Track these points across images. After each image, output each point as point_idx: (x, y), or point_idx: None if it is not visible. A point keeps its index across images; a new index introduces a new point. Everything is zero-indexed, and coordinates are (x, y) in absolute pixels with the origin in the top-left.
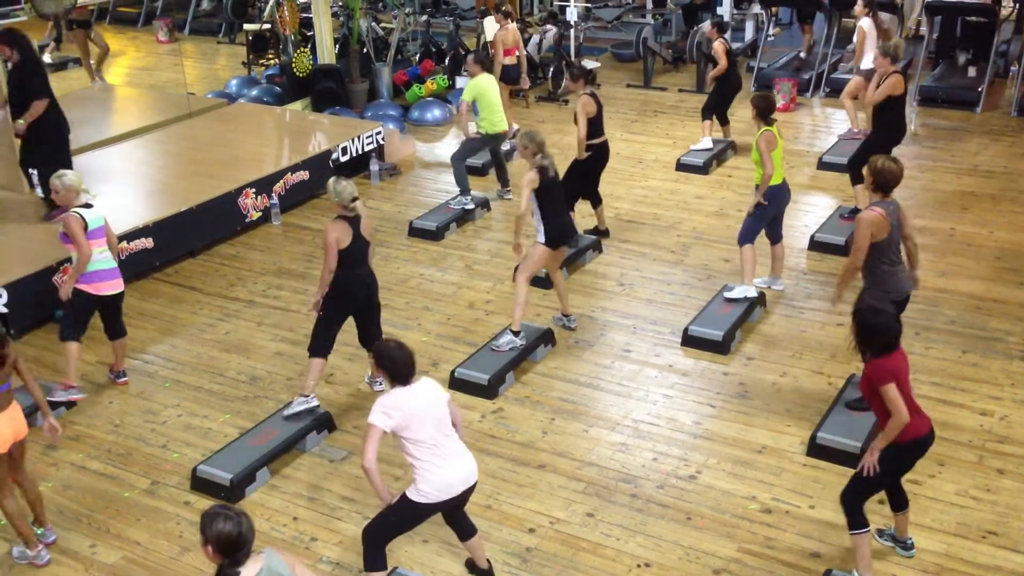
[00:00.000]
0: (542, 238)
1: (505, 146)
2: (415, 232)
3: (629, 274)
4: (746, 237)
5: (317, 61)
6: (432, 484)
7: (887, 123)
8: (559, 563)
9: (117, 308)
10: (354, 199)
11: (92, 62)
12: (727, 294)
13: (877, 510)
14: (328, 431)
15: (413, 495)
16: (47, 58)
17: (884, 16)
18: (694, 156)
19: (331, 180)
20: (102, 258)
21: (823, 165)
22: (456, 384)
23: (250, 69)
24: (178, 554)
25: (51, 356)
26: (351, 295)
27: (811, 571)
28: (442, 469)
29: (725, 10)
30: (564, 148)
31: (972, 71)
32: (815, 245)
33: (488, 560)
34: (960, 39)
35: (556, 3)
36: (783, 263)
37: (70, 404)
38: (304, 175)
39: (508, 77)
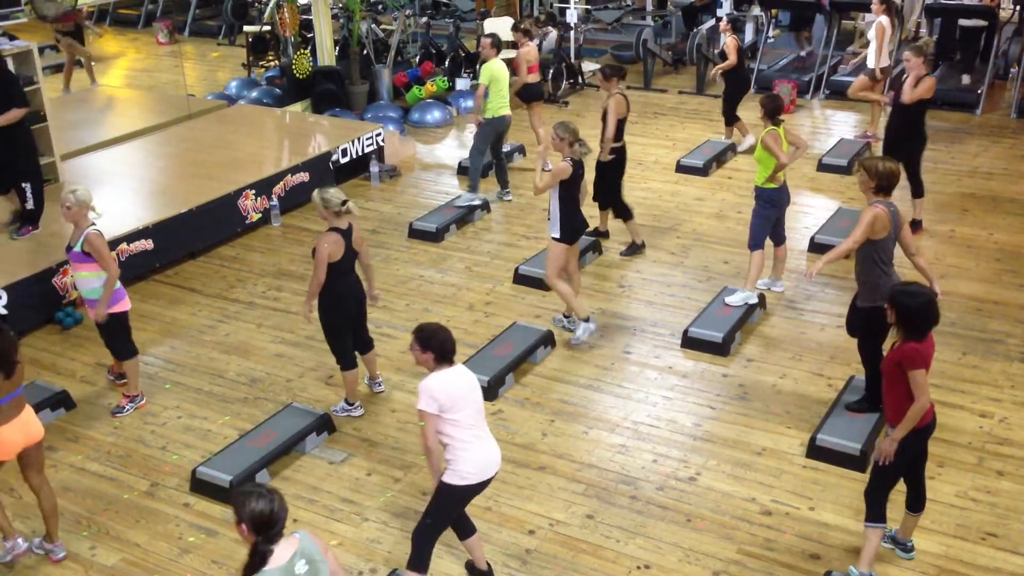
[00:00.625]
0: (556, 233)
1: (505, 147)
2: (415, 234)
3: (629, 276)
4: (757, 242)
5: (317, 63)
6: (473, 463)
7: (920, 126)
8: (559, 565)
9: None
10: (343, 203)
11: (84, 66)
12: (728, 299)
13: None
14: (328, 433)
15: (454, 479)
16: (44, 60)
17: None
18: (695, 157)
19: (315, 192)
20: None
21: (823, 167)
22: None
23: (250, 71)
24: (178, 556)
25: (50, 357)
26: (347, 301)
27: (811, 573)
28: (482, 448)
29: (725, 12)
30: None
31: (966, 78)
32: (815, 247)
33: (488, 562)
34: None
35: (556, 5)
36: (784, 265)
37: (120, 409)
38: (304, 177)
39: (532, 94)
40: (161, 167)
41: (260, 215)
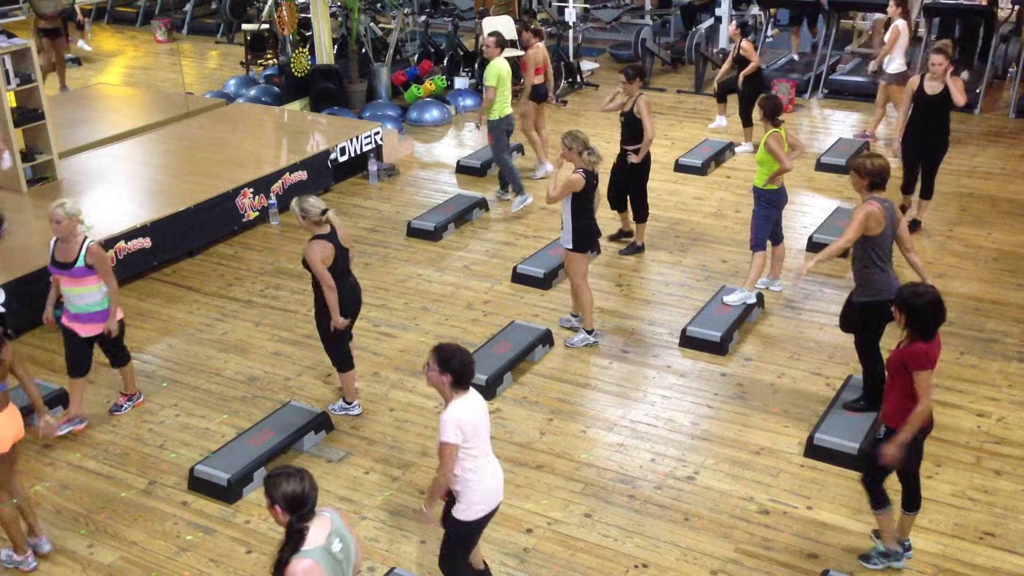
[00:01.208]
0: (570, 244)
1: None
2: (413, 232)
3: (627, 275)
4: (759, 243)
5: (315, 61)
6: (482, 494)
7: (948, 127)
8: (557, 564)
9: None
10: (323, 212)
11: (57, 68)
12: (726, 298)
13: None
14: (326, 431)
15: (467, 515)
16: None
17: (883, 17)
18: (693, 156)
19: (293, 202)
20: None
21: (821, 166)
22: None
23: (248, 69)
24: (175, 554)
25: (47, 355)
26: (353, 302)
27: (809, 572)
28: (491, 477)
29: (724, 11)
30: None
31: (965, 75)
32: (813, 246)
33: (485, 561)
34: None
35: (554, 3)
36: (782, 264)
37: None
38: (302, 175)
39: (539, 95)
40: (159, 165)
41: (258, 213)
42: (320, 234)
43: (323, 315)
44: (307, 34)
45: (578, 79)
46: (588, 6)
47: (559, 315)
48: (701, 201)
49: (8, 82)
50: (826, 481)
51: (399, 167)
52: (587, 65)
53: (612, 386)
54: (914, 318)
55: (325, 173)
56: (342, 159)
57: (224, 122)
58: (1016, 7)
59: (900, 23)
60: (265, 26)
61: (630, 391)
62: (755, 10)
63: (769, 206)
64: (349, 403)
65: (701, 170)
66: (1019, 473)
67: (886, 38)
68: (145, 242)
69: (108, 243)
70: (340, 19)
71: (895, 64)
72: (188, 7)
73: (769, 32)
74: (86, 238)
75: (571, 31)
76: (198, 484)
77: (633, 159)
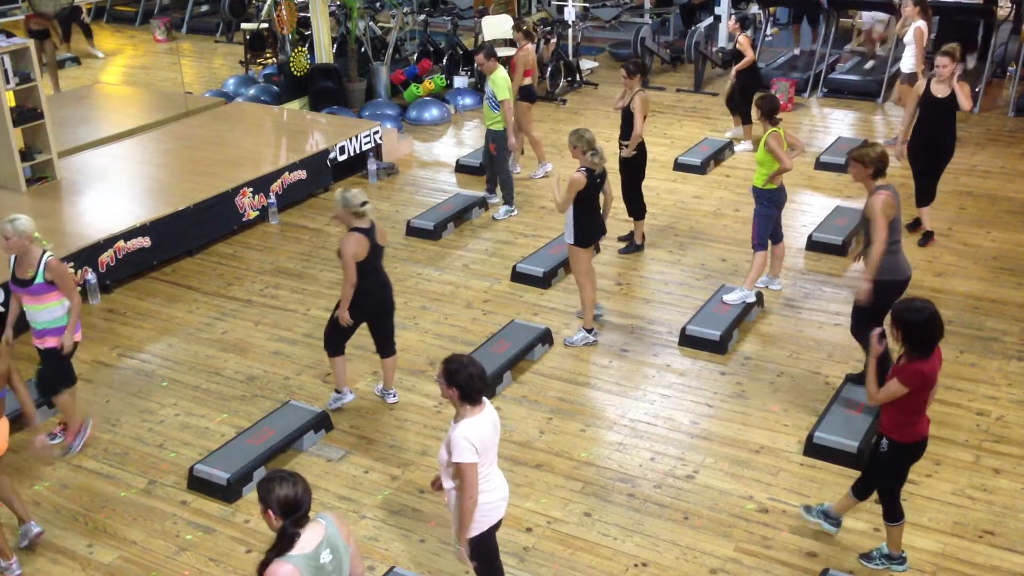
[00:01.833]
0: (571, 239)
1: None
2: (413, 231)
3: (627, 273)
4: (761, 242)
5: (315, 60)
6: (485, 506)
7: (955, 131)
8: (556, 562)
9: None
10: (364, 203)
11: (49, 70)
12: (725, 297)
13: (871, 531)
14: (326, 431)
15: (476, 529)
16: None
17: (881, 16)
18: (693, 155)
19: (337, 191)
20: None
21: (820, 165)
22: None
23: (248, 68)
24: (175, 553)
25: None
26: (373, 302)
27: (808, 570)
28: (494, 488)
29: (723, 10)
30: (562, 148)
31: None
32: (813, 245)
33: None
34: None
35: (554, 2)
36: (782, 263)
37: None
38: (302, 174)
39: (529, 96)
40: (158, 164)
41: (258, 212)
42: (359, 227)
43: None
44: (306, 33)
45: (577, 78)
46: (587, 5)
47: (559, 314)
48: (700, 200)
49: (7, 81)
50: (825, 480)
51: (398, 166)
52: (586, 64)
53: (611, 385)
54: (911, 335)
55: (324, 172)
56: (341, 158)
57: (223, 121)
58: (1014, 5)
59: (921, 24)
60: (264, 25)
61: (629, 390)
62: (754, 8)
63: (769, 205)
64: (340, 392)
65: (700, 169)
66: (1018, 472)
67: (905, 39)
68: (145, 241)
69: (108, 242)
70: (339, 18)
71: (909, 63)
72: (189, 7)
73: (768, 31)
74: (45, 252)
75: (570, 30)
76: (198, 483)
77: (624, 153)
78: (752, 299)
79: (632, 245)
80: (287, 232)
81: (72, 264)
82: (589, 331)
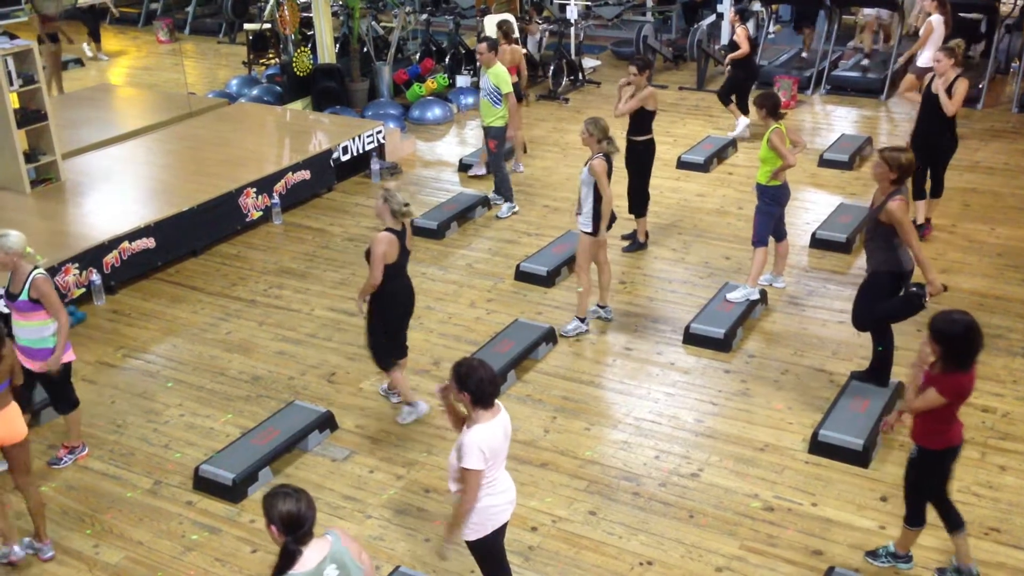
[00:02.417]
0: (589, 228)
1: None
2: (416, 231)
3: (630, 272)
4: (762, 239)
5: (317, 60)
6: (488, 509)
7: (953, 128)
8: (561, 561)
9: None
10: (406, 205)
11: (53, 72)
12: (729, 295)
13: (881, 532)
14: (330, 430)
15: (481, 531)
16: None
17: (884, 13)
18: (696, 153)
19: (381, 190)
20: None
21: (824, 162)
22: None
23: (250, 69)
24: (181, 554)
25: None
26: (402, 304)
27: (814, 568)
28: (501, 492)
29: (725, 8)
30: (564, 147)
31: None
32: (817, 242)
33: None
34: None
35: (556, 0)
36: (785, 261)
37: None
38: (305, 174)
39: (515, 95)
40: (162, 165)
41: (261, 213)
42: (392, 228)
43: (377, 312)
44: (309, 33)
45: (580, 76)
46: (590, 3)
47: (562, 313)
48: (704, 198)
49: (11, 83)
50: (831, 477)
51: (401, 165)
52: (589, 62)
53: (616, 383)
54: (951, 348)
55: (328, 172)
56: (344, 158)
57: (226, 122)
58: (1018, 2)
59: (936, 18)
60: (267, 26)
61: (634, 388)
62: (757, 6)
63: (772, 202)
64: (412, 404)
65: (703, 167)
66: None
67: (920, 32)
68: (149, 242)
69: (112, 243)
70: (342, 18)
71: (924, 57)
72: (192, 8)
73: (771, 29)
74: (35, 268)
75: (573, 28)
76: (203, 484)
77: (616, 114)
78: (756, 296)
79: (635, 243)
80: (291, 232)
81: (77, 265)
82: (582, 320)
